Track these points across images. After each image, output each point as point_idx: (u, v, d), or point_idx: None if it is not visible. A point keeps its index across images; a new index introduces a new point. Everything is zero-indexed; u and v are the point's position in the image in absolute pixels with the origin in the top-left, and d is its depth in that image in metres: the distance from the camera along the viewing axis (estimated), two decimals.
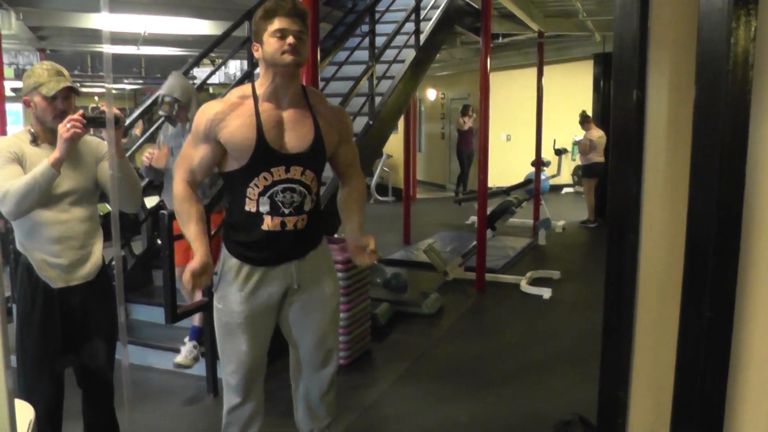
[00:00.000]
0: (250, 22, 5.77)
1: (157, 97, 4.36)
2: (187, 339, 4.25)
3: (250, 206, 2.41)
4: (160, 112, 4.32)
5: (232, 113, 2.38)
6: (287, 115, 2.42)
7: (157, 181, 4.56)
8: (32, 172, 2.41)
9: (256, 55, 2.40)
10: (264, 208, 2.40)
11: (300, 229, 2.45)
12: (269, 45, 2.33)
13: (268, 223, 2.41)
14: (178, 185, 2.47)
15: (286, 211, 2.41)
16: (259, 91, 2.42)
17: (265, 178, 2.38)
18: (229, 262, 2.50)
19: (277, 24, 2.31)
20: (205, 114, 2.40)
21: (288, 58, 2.31)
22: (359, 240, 2.54)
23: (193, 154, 2.45)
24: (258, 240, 2.43)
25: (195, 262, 2.36)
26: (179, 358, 4.18)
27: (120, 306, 1.30)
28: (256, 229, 2.42)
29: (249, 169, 2.38)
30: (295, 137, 2.41)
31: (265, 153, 2.36)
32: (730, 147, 1.35)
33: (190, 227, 2.42)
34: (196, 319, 4.21)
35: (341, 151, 2.59)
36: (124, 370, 1.54)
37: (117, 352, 2.84)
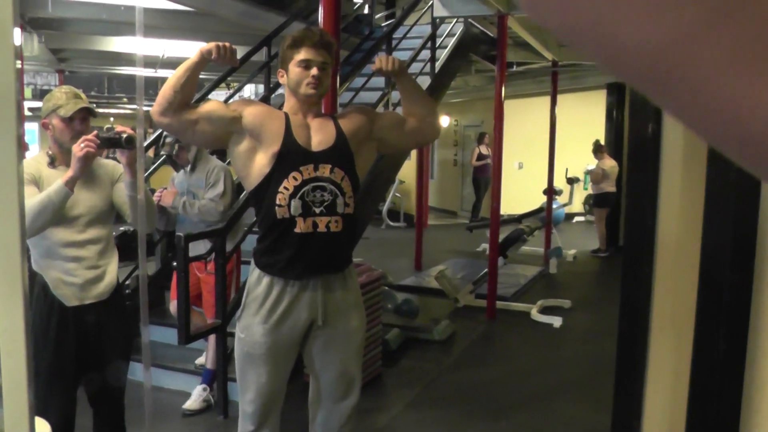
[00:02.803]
0: (268, 47, 5.87)
1: (160, 136, 4.37)
2: (199, 384, 4.20)
3: (282, 213, 2.41)
4: (162, 152, 4.29)
5: (265, 110, 2.51)
6: (312, 122, 2.51)
7: (169, 228, 4.48)
8: (46, 191, 2.44)
9: (281, 81, 2.50)
10: (296, 211, 2.40)
11: (333, 233, 2.43)
12: (294, 74, 2.42)
13: (300, 226, 2.40)
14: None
15: (317, 210, 2.41)
16: (285, 109, 2.54)
17: (294, 178, 2.40)
18: (255, 291, 2.49)
19: (303, 54, 2.40)
20: (245, 101, 2.56)
21: (309, 90, 2.42)
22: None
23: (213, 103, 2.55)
24: (290, 244, 2.42)
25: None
26: (188, 404, 4.11)
27: (144, 327, 1.32)
28: (288, 235, 2.41)
29: (278, 168, 2.41)
30: (321, 138, 2.48)
31: (292, 148, 2.41)
32: (745, 180, 1.36)
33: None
34: (209, 362, 4.18)
35: (393, 122, 2.68)
36: (146, 392, 1.55)
37: (130, 372, 2.87)
